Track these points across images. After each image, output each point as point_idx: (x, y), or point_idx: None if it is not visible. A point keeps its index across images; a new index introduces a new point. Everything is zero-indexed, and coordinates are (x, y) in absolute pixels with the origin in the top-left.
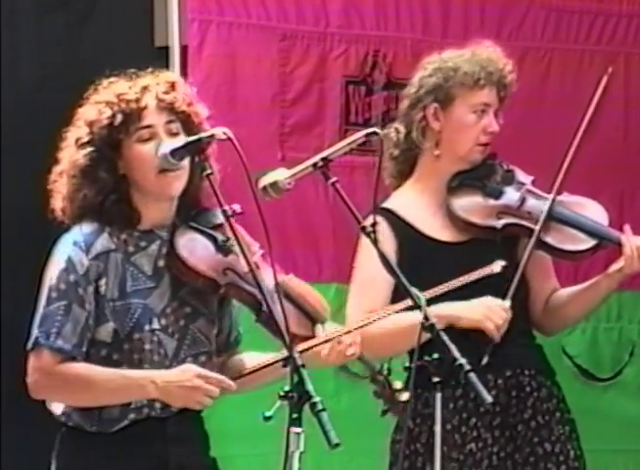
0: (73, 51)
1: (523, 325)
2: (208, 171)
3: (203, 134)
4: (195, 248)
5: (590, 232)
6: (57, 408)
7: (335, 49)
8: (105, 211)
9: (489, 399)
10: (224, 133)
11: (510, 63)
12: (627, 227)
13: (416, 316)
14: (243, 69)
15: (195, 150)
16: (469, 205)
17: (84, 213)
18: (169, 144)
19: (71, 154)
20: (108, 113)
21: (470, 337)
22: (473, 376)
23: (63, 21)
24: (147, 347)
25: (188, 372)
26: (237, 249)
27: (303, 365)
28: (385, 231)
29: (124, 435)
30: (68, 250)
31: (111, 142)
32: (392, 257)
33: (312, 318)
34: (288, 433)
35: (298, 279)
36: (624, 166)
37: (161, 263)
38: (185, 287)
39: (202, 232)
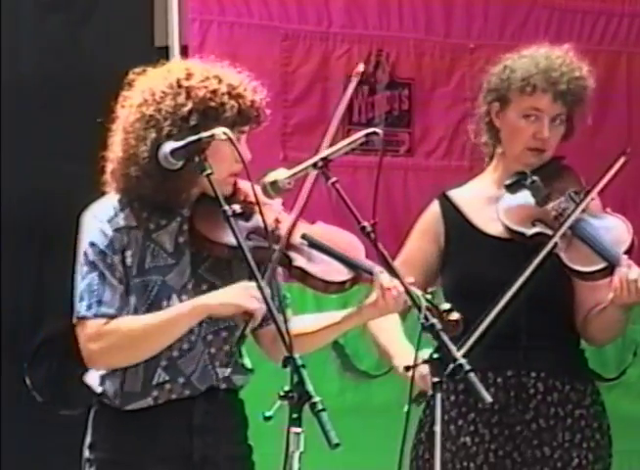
0: (73, 51)
1: (538, 328)
2: (208, 171)
3: (202, 134)
4: (215, 221)
5: (603, 256)
6: (94, 382)
7: (337, 49)
8: (164, 194)
9: (489, 398)
10: (224, 133)
11: (580, 70)
12: (625, 257)
13: None
14: (244, 69)
15: (195, 150)
16: (512, 206)
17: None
18: (170, 144)
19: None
20: (228, 104)
21: None
22: (472, 376)
23: (63, 20)
24: None
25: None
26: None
27: (304, 365)
28: (433, 218)
29: (150, 421)
30: (91, 225)
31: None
32: (429, 243)
33: (348, 264)
34: (288, 433)
35: (325, 226)
36: (627, 168)
37: (182, 240)
38: (204, 264)
39: (219, 204)
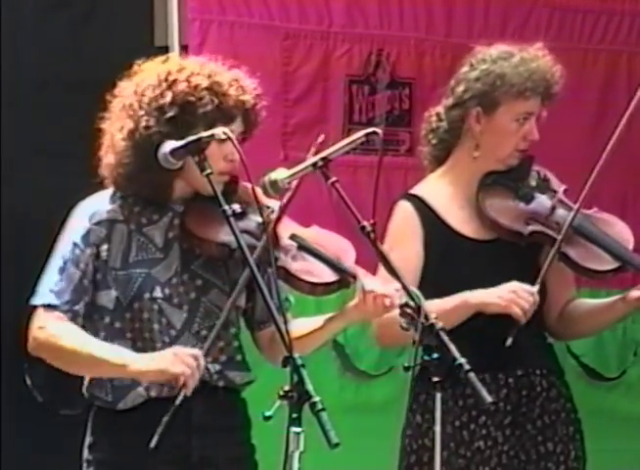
0: (74, 51)
1: (534, 326)
2: (208, 171)
3: (202, 134)
4: (205, 218)
5: (614, 254)
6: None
7: (338, 48)
8: (139, 184)
9: (489, 399)
10: (224, 133)
11: (558, 70)
12: None
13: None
14: (245, 68)
15: (194, 149)
16: (499, 205)
17: (121, 181)
18: (170, 143)
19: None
20: (206, 99)
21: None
22: (472, 376)
23: (63, 20)
24: (145, 315)
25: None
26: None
27: (303, 365)
28: (412, 218)
29: (148, 421)
30: (74, 216)
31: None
32: (419, 245)
33: (332, 266)
34: (288, 432)
35: (318, 230)
36: (627, 167)
37: (172, 235)
38: (197, 260)
39: (218, 203)
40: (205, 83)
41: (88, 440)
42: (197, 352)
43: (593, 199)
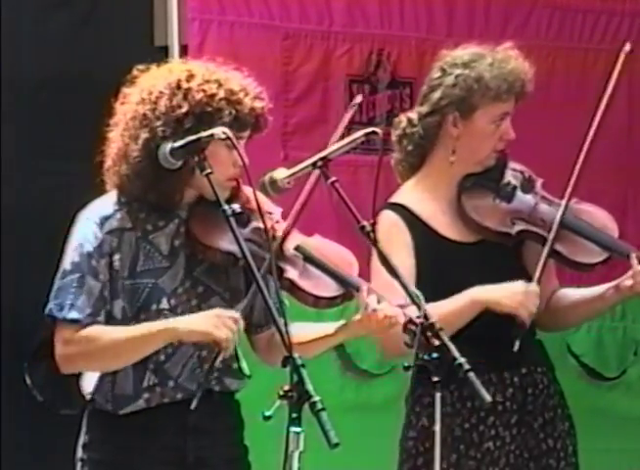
0: (74, 51)
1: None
2: (208, 171)
3: (202, 134)
4: (211, 225)
5: (602, 245)
6: (87, 387)
7: (338, 48)
8: (153, 193)
9: (489, 398)
10: (224, 133)
11: (531, 69)
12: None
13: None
14: (245, 68)
15: (194, 149)
16: (482, 207)
17: (124, 185)
18: (170, 143)
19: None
20: (224, 110)
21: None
22: (472, 375)
23: (63, 20)
24: None
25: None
26: (257, 218)
27: (303, 365)
28: (398, 227)
29: (143, 422)
30: (83, 225)
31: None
32: (410, 254)
33: (338, 279)
34: (287, 432)
35: (321, 239)
36: (628, 166)
37: (177, 243)
38: (199, 266)
39: (218, 204)
40: (221, 93)
41: (83, 439)
42: (236, 314)
43: (593, 200)
